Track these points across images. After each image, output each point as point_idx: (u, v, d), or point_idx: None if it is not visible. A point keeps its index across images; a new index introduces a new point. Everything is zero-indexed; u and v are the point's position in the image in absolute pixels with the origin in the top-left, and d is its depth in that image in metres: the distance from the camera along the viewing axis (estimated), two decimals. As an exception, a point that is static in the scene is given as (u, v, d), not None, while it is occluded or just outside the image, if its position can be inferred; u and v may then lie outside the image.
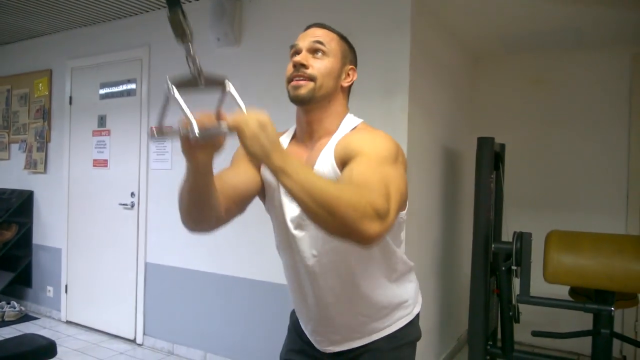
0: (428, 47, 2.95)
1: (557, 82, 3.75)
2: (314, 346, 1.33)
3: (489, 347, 3.00)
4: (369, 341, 1.27)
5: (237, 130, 0.91)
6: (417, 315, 1.36)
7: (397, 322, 1.29)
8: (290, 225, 1.22)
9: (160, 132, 0.94)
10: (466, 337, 3.16)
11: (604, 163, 3.56)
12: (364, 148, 1.09)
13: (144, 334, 3.71)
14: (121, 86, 3.85)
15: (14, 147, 4.64)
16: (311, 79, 1.18)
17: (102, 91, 3.97)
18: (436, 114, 3.21)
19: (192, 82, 0.94)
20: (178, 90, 0.91)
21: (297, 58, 1.19)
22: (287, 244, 1.26)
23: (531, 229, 2.80)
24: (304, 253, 1.21)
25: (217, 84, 0.98)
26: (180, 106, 0.89)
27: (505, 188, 3.26)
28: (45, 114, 4.38)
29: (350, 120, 1.25)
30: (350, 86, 1.29)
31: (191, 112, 0.90)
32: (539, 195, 3.76)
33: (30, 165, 4.46)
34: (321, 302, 1.24)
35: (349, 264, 1.21)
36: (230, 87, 0.98)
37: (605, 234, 2.74)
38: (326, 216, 0.90)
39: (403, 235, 1.31)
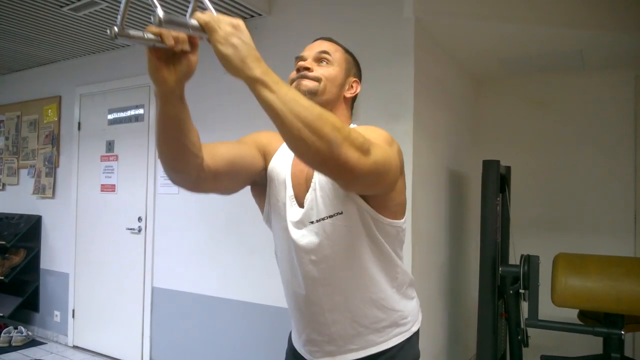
0: (431, 73, 2.98)
1: (561, 103, 3.77)
2: None
3: (498, 371, 2.98)
4: (364, 355, 1.24)
5: (207, 27, 0.83)
6: (416, 333, 1.32)
7: (394, 338, 1.25)
8: (291, 229, 1.20)
9: (122, 33, 0.78)
10: (475, 361, 3.14)
11: (611, 185, 3.55)
12: (364, 132, 1.08)
13: (151, 358, 3.69)
14: (129, 112, 3.91)
15: (23, 172, 4.69)
16: (316, 80, 1.19)
17: (110, 117, 4.03)
18: (441, 137, 3.23)
19: None
20: None
21: (302, 63, 1.21)
22: (286, 248, 1.23)
23: (538, 252, 2.80)
24: (303, 258, 1.19)
25: None
26: None
27: (512, 211, 3.26)
28: (54, 140, 4.44)
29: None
30: (353, 99, 1.30)
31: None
32: (545, 218, 3.75)
33: (39, 190, 4.50)
34: (318, 308, 1.22)
35: (348, 270, 1.20)
36: None
37: (613, 257, 2.73)
38: (308, 134, 0.85)
39: (406, 252, 1.30)
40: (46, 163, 4.47)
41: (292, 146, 0.91)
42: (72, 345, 4.21)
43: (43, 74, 4.64)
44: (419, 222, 2.72)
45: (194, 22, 0.83)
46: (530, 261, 2.71)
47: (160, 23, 0.78)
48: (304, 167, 1.19)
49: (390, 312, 1.24)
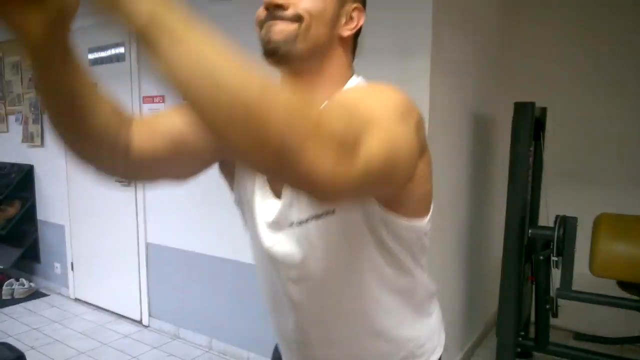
0: (453, -4, 2.50)
1: (606, 35, 3.21)
2: None
3: (520, 339, 2.67)
4: None
5: None
6: None
7: None
8: (263, 233, 0.86)
9: None
10: (493, 322, 2.84)
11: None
12: (358, 100, 0.68)
13: (150, 315, 3.55)
14: (109, 51, 3.53)
15: (12, 118, 4.39)
16: (295, 19, 0.76)
17: (91, 56, 3.66)
18: (464, 75, 2.78)
19: None
20: None
21: None
22: (259, 256, 0.93)
23: (575, 211, 2.40)
24: (280, 274, 0.88)
25: None
26: None
27: (546, 162, 2.82)
28: (38, 83, 4.09)
29: (356, 83, 0.85)
30: (355, 36, 0.86)
31: None
32: (586, 171, 3.29)
33: (28, 138, 4.22)
34: (305, 339, 0.94)
35: (343, 291, 0.87)
36: None
37: (667, 218, 2.32)
38: (240, 121, 0.46)
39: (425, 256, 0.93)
40: (32, 109, 4.14)
41: (216, 138, 0.51)
42: (74, 298, 4.11)
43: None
44: (436, 172, 2.32)
45: None
46: (566, 224, 2.30)
47: None
48: None
49: (402, 343, 0.93)
